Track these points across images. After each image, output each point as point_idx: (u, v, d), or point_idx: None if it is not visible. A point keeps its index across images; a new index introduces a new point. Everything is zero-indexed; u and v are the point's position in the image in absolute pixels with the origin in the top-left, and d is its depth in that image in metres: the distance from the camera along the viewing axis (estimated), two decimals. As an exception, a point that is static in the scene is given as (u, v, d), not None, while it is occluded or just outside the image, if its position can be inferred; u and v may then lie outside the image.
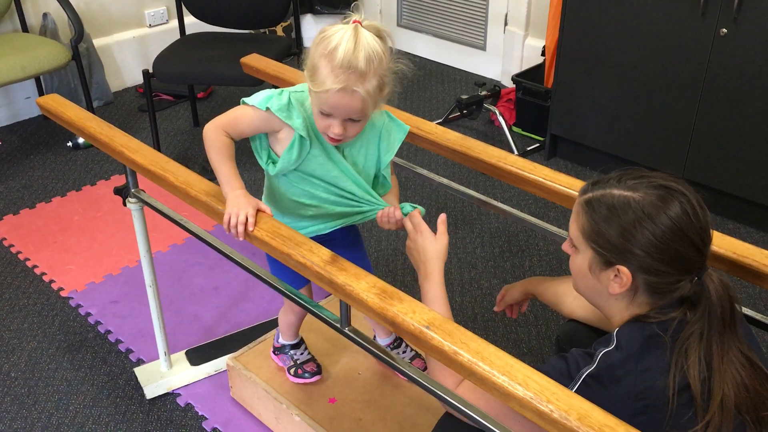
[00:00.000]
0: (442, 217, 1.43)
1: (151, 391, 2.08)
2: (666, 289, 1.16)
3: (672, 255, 1.13)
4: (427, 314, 1.19)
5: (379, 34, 1.31)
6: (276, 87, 3.21)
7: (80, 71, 3.27)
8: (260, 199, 1.48)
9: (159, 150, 3.19)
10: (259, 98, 1.42)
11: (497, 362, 1.08)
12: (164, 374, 2.11)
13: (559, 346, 1.58)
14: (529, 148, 3.33)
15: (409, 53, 4.33)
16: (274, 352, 1.94)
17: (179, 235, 2.72)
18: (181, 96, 3.77)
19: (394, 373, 1.88)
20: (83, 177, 3.16)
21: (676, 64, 2.68)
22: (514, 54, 3.82)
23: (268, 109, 1.40)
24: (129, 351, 2.25)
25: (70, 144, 3.37)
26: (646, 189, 1.16)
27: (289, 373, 1.89)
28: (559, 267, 2.59)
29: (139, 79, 3.86)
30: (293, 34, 3.48)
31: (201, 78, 3.18)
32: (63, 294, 2.48)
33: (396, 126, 1.51)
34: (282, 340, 1.91)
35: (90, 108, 3.35)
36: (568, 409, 1.00)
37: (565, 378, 1.13)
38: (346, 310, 1.37)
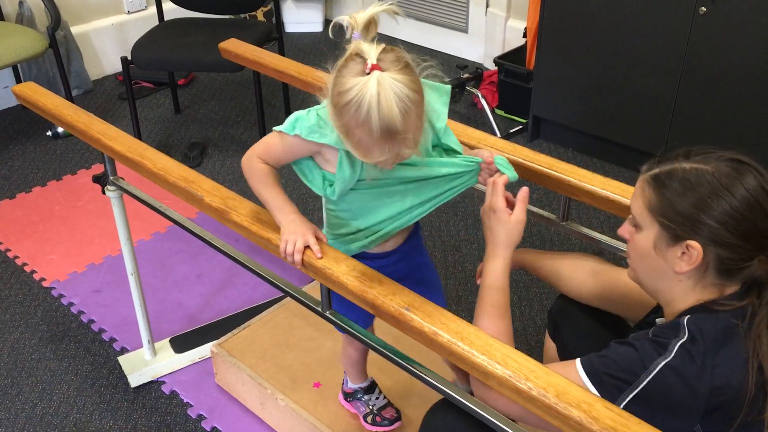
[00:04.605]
0: (523, 193, 1.30)
1: (135, 380, 2.07)
2: (737, 267, 1.11)
3: (748, 227, 1.09)
4: (407, 296, 1.19)
5: (402, 65, 1.13)
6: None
7: (58, 59, 3.23)
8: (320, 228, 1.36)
9: (140, 138, 3.17)
10: (287, 122, 1.30)
11: (477, 342, 1.09)
12: (148, 362, 2.11)
13: (551, 320, 1.57)
14: (512, 131, 3.33)
15: (391, 36, 4.31)
16: (345, 399, 1.79)
17: (162, 223, 2.71)
18: (161, 83, 3.74)
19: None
20: (63, 166, 3.13)
21: (656, 44, 2.68)
22: (496, 36, 3.81)
23: (297, 135, 1.28)
24: (113, 340, 2.24)
25: (49, 133, 3.34)
26: (717, 162, 1.11)
27: (366, 421, 1.75)
28: (542, 248, 2.60)
29: (119, 67, 3.81)
30: (274, 20, 3.45)
31: (181, 64, 3.16)
32: (45, 284, 2.47)
33: (436, 91, 1.31)
34: (351, 385, 1.76)
35: (69, 97, 3.32)
36: (546, 386, 1.01)
37: (637, 365, 1.07)
38: (327, 293, 1.37)
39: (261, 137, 3.40)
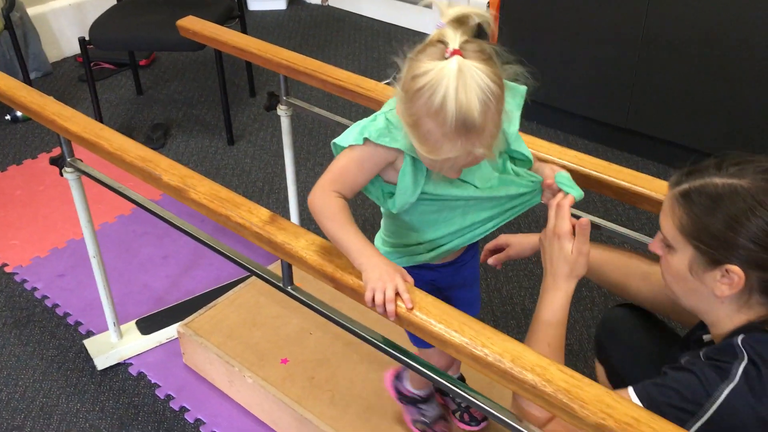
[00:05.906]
0: (582, 225, 1.19)
1: (101, 362, 2.06)
2: None
3: None
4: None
5: (486, 56, 1.04)
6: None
7: (14, 42, 3.16)
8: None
9: (101, 121, 3.12)
10: (353, 133, 1.17)
11: (434, 311, 1.10)
12: (114, 345, 2.10)
13: (597, 342, 1.51)
14: (476, 105, 3.33)
15: (355, 13, 4.28)
16: (399, 399, 1.66)
17: (126, 205, 2.68)
18: (122, 64, 3.67)
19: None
20: (24, 150, 3.08)
21: (615, 15, 2.70)
22: (459, 11, 3.81)
23: (366, 140, 1.15)
24: (78, 324, 2.22)
25: (8, 117, 3.27)
26: (753, 174, 1.04)
27: (414, 426, 1.65)
28: (513, 224, 2.60)
29: (78, 49, 3.74)
30: (235, -3, 3.41)
31: (141, 44, 3.11)
32: (7, 270, 2.44)
33: (510, 91, 1.17)
34: (410, 387, 1.61)
35: (27, 80, 3.25)
36: (502, 351, 1.02)
37: (700, 393, 1.02)
38: (287, 269, 1.37)
39: (225, 117, 3.36)
